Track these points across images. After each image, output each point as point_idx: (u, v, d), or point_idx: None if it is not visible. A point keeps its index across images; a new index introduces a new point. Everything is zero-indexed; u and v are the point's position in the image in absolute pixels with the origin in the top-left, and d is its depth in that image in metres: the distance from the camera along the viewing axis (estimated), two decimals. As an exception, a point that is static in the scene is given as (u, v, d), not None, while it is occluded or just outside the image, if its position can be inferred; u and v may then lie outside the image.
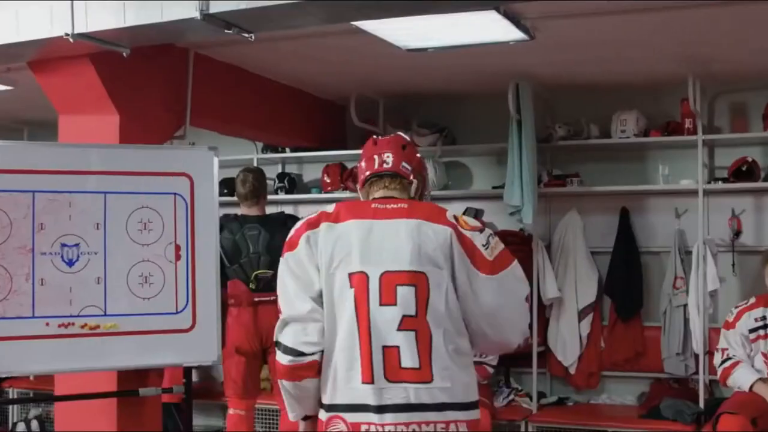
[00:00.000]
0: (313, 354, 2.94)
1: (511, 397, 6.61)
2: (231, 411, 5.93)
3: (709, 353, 5.98)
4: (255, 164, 7.20)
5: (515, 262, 3.04)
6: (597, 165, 6.79)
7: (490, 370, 6.23)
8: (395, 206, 3.01)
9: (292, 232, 3.07)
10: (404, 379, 2.87)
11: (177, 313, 4.84)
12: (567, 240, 6.67)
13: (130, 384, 4.94)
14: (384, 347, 2.88)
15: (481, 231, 3.02)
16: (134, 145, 5.00)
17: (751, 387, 5.38)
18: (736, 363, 5.48)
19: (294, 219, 5.79)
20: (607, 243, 6.68)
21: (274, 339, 3.04)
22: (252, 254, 5.78)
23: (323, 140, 7.34)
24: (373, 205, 3.03)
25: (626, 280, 6.56)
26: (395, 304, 2.89)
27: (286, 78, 6.60)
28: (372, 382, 2.87)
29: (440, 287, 2.92)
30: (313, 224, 3.03)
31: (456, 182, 7.18)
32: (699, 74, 5.97)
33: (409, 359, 2.87)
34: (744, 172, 6.19)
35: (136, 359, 4.80)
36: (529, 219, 6.14)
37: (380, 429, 2.86)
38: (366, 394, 2.87)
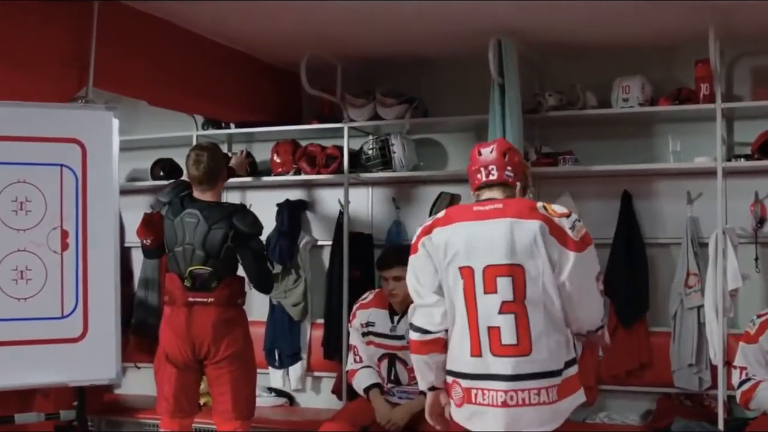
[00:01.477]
0: (437, 332, 3.66)
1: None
2: None
3: (729, 365, 5.24)
4: (194, 143, 6.45)
5: (593, 243, 3.61)
6: (594, 141, 6.01)
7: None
8: (492, 207, 3.59)
9: (414, 238, 3.77)
10: (505, 354, 3.47)
11: (63, 317, 4.28)
12: None
13: (5, 408, 4.13)
14: (489, 327, 3.50)
15: (568, 216, 3.56)
16: (6, 102, 4.03)
17: None
18: (758, 383, 4.77)
19: (246, 212, 5.24)
20: (607, 233, 5.87)
21: (408, 322, 3.79)
22: (186, 245, 5.07)
23: (275, 114, 6.52)
24: (474, 208, 3.64)
25: (629, 277, 5.82)
26: (496, 292, 3.49)
27: (227, 38, 5.90)
28: (480, 355, 3.52)
29: (536, 275, 3.48)
30: (427, 231, 3.70)
31: (428, 163, 6.37)
32: (718, 29, 5.19)
33: (508, 337, 3.47)
34: None
35: (10, 377, 4.09)
36: None
37: (484, 394, 3.50)
38: (475, 365, 3.53)
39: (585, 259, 3.54)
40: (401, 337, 5.23)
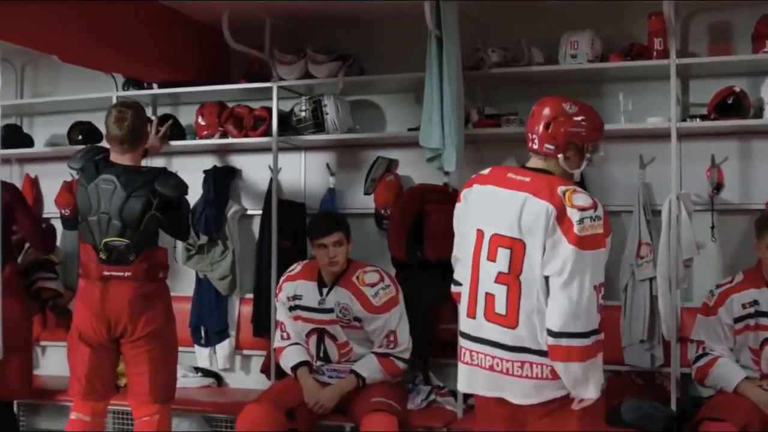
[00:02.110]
0: (461, 285, 3.74)
1: (432, 397, 5.37)
2: (72, 415, 4.86)
3: (683, 340, 4.98)
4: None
5: (604, 251, 3.49)
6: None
7: (401, 365, 5.02)
8: (521, 178, 3.59)
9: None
10: (495, 321, 3.53)
11: None
12: None
13: None
14: (486, 293, 3.55)
15: (583, 210, 3.43)
16: None
17: (736, 387, 4.48)
18: (716, 359, 4.56)
19: (169, 175, 4.84)
20: None
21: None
22: (101, 214, 4.69)
23: (202, 73, 6.01)
24: (508, 174, 3.65)
25: (577, 247, 5.28)
26: (495, 261, 3.53)
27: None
28: (474, 318, 3.61)
29: (535, 253, 3.47)
30: (469, 184, 3.78)
31: (365, 126, 5.91)
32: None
33: (499, 307, 3.52)
34: (730, 106, 5.00)
35: None
36: (452, 165, 4.95)
37: (474, 355, 3.59)
38: (471, 326, 3.62)
39: (583, 259, 3.42)
40: (330, 311, 4.87)
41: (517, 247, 3.49)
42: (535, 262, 3.46)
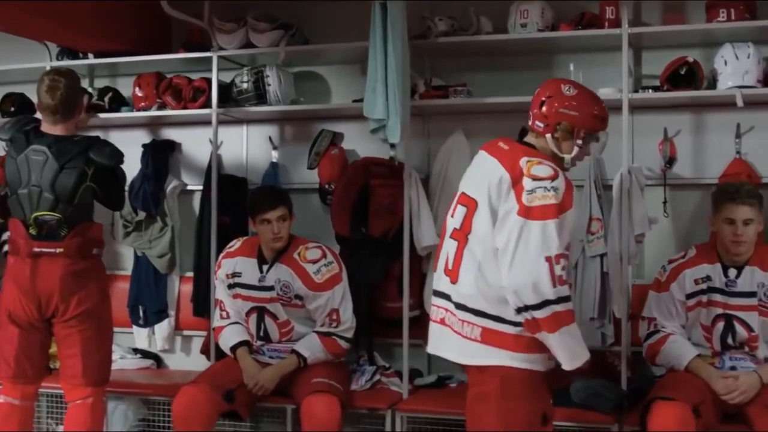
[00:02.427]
0: None
1: (376, 377, 5.17)
2: (1, 399, 4.66)
3: (634, 318, 4.80)
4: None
5: (554, 222, 3.39)
6: (490, 73, 5.45)
7: (344, 344, 4.86)
8: (504, 146, 3.66)
9: None
10: (447, 275, 3.61)
11: None
12: (450, 171, 5.23)
13: None
14: (445, 247, 3.66)
15: (537, 180, 3.43)
16: None
17: (688, 365, 4.32)
18: (667, 336, 4.41)
19: (103, 143, 4.65)
20: None
21: None
22: (32, 186, 4.48)
23: (140, 43, 5.78)
24: (500, 143, 3.70)
25: (526, 222, 5.12)
26: (453, 217, 3.66)
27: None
28: (436, 271, 3.73)
29: (483, 215, 3.52)
30: (480, 148, 3.79)
31: (309, 97, 5.71)
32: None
33: (450, 261, 3.61)
34: (683, 77, 4.87)
35: None
36: (396, 137, 4.74)
37: (434, 309, 3.69)
38: (435, 280, 3.73)
39: (530, 230, 3.40)
40: (270, 288, 4.70)
41: (471, 207, 3.56)
42: (483, 224, 3.50)
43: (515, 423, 3.45)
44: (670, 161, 5.06)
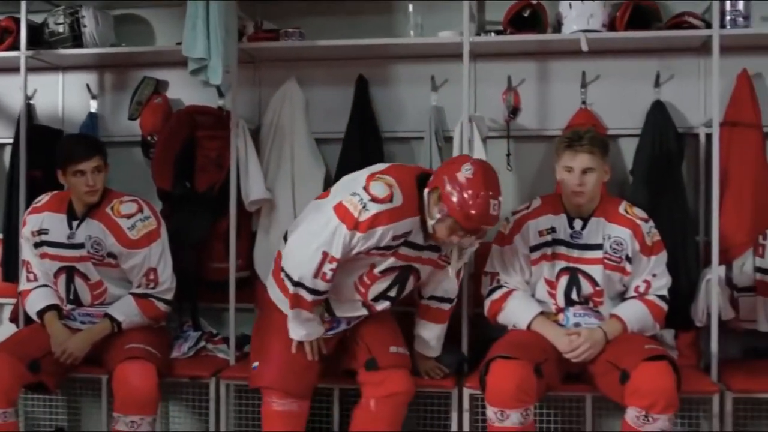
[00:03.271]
0: None
1: (201, 344, 4.80)
2: None
3: (476, 278, 4.50)
4: None
5: (344, 228, 3.66)
6: (326, 17, 5.09)
7: (162, 307, 4.46)
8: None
9: None
10: None
11: None
12: (282, 121, 4.93)
13: None
14: None
15: (364, 192, 3.68)
16: None
17: (530, 324, 4.09)
18: (510, 292, 4.17)
19: None
20: (338, 126, 4.96)
21: None
22: None
23: None
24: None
25: (363, 176, 4.87)
26: None
27: None
28: None
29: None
30: None
31: (131, 43, 5.22)
32: None
33: None
34: (526, 20, 4.63)
35: None
36: (218, 78, 4.36)
37: None
38: None
39: (326, 218, 3.74)
40: (80, 246, 4.26)
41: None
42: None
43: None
44: (514, 111, 4.81)
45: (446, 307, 4.20)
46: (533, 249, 4.12)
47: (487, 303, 4.22)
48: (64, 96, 5.35)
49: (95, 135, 5.08)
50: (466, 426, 4.18)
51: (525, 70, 4.85)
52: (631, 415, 3.70)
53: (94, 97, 5.25)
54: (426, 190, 3.72)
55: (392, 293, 4.02)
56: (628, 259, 4.04)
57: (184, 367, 4.51)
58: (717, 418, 4.04)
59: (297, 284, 3.72)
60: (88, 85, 5.25)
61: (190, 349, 4.68)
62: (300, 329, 3.87)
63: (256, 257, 4.83)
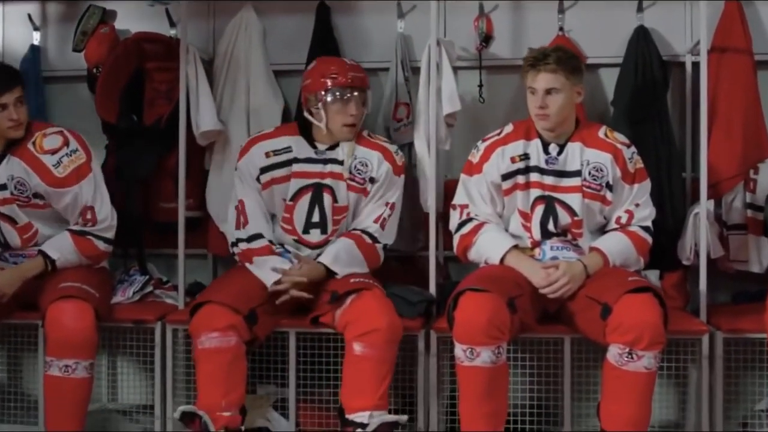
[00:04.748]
0: None
1: (148, 289, 4.45)
2: None
3: (444, 214, 4.24)
4: None
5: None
6: None
7: (102, 246, 4.11)
8: None
9: None
10: None
11: None
12: (238, 52, 4.60)
13: None
14: None
15: None
16: None
17: (503, 258, 3.79)
18: (480, 225, 3.88)
19: None
20: (299, 57, 4.62)
21: None
22: None
23: None
24: None
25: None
26: None
27: None
28: None
29: None
30: None
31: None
32: None
33: None
34: None
35: None
36: None
37: None
38: None
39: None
40: (3, 187, 3.91)
41: None
42: None
43: None
44: (487, 39, 4.54)
45: (367, 239, 4.04)
46: (505, 177, 3.81)
47: (456, 238, 3.92)
48: (4, 27, 5.01)
49: (37, 71, 4.81)
50: (433, 372, 3.87)
51: (499, -6, 4.59)
52: (614, 352, 3.41)
53: (36, 28, 4.90)
54: (304, 110, 4.03)
55: (315, 218, 4.00)
56: (609, 187, 3.74)
57: (127, 312, 4.16)
58: (707, 359, 3.74)
59: (234, 244, 4.01)
60: (29, 15, 4.91)
61: (135, 294, 4.33)
62: (268, 274, 3.86)
63: (208, 196, 4.51)
